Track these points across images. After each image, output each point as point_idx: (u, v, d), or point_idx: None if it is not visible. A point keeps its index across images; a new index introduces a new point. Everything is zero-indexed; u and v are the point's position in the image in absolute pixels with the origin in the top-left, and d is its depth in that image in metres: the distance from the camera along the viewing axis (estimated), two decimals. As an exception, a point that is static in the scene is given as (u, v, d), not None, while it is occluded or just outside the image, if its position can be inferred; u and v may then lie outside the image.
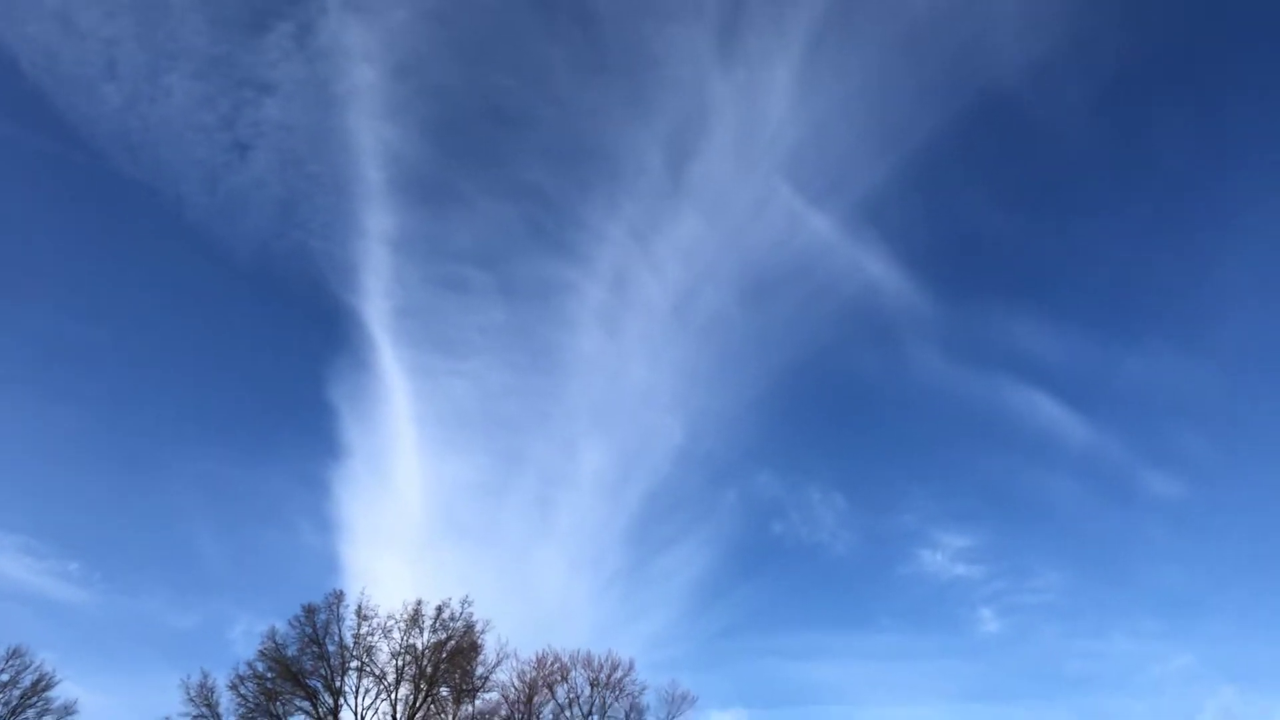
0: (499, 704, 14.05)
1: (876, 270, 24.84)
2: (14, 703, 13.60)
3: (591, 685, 14.79)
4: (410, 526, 20.61)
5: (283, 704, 12.83)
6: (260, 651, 13.16)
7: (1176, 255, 25.48)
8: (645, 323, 24.78)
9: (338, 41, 24.25)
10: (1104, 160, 27.26)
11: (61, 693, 13.84)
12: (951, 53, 25.60)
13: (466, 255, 24.81)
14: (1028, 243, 27.60)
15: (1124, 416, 24.93)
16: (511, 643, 14.12)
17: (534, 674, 14.52)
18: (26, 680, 13.72)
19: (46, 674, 13.86)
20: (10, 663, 13.71)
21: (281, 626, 13.27)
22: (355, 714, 12.95)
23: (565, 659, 14.94)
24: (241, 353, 26.04)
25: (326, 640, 13.24)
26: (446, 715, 13.69)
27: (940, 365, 25.80)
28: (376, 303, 23.42)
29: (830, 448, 26.68)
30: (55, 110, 23.17)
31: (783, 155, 24.53)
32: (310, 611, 13.41)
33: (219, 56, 24.42)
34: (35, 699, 13.67)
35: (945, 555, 23.32)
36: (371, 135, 24.17)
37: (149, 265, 25.64)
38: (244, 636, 22.97)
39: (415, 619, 13.59)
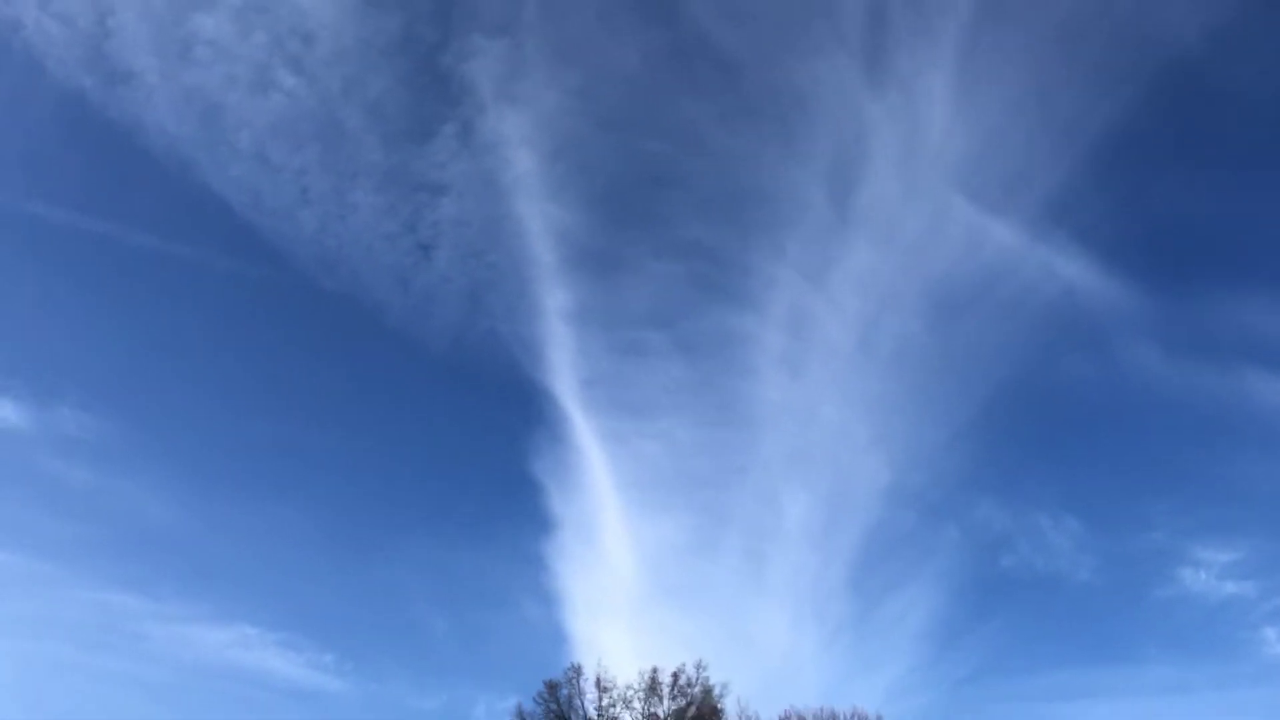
0: (747, 768, 13.77)
1: (1072, 272, 23.28)
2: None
3: (842, 743, 14.26)
4: (624, 592, 20.75)
5: (537, 778, 13.14)
6: (511, 729, 13.61)
7: None
8: (829, 361, 24.18)
9: (498, 134, 25.52)
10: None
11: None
12: (1119, 30, 24.02)
13: (642, 318, 25.15)
14: (1236, 219, 25.16)
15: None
16: (751, 705, 13.91)
17: (780, 735, 14.16)
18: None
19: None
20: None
21: (525, 703, 13.69)
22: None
23: (810, 717, 14.52)
24: (448, 440, 27.34)
25: (571, 714, 13.51)
26: (697, 783, 13.52)
27: (1162, 364, 23.70)
28: (564, 376, 24.06)
29: (1052, 468, 24.89)
30: (263, 240, 25.52)
31: (951, 168, 23.61)
32: (552, 687, 13.74)
33: (394, 167, 26.26)
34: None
35: (1210, 573, 21.06)
36: (540, 217, 25.13)
37: (356, 369, 27.48)
38: (486, 714, 23.77)
39: (653, 687, 13.62)
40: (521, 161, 24.75)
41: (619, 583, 20.79)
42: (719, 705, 14.03)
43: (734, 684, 14.68)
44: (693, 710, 13.79)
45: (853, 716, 14.86)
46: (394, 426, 26.73)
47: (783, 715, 14.93)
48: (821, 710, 15.06)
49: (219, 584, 22.08)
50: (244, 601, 21.83)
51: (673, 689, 13.86)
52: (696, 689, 13.91)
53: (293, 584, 22.71)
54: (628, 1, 24.59)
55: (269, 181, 24.46)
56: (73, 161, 25.88)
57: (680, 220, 25.72)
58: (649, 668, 14.36)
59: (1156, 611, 21.14)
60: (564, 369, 23.67)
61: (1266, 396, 22.39)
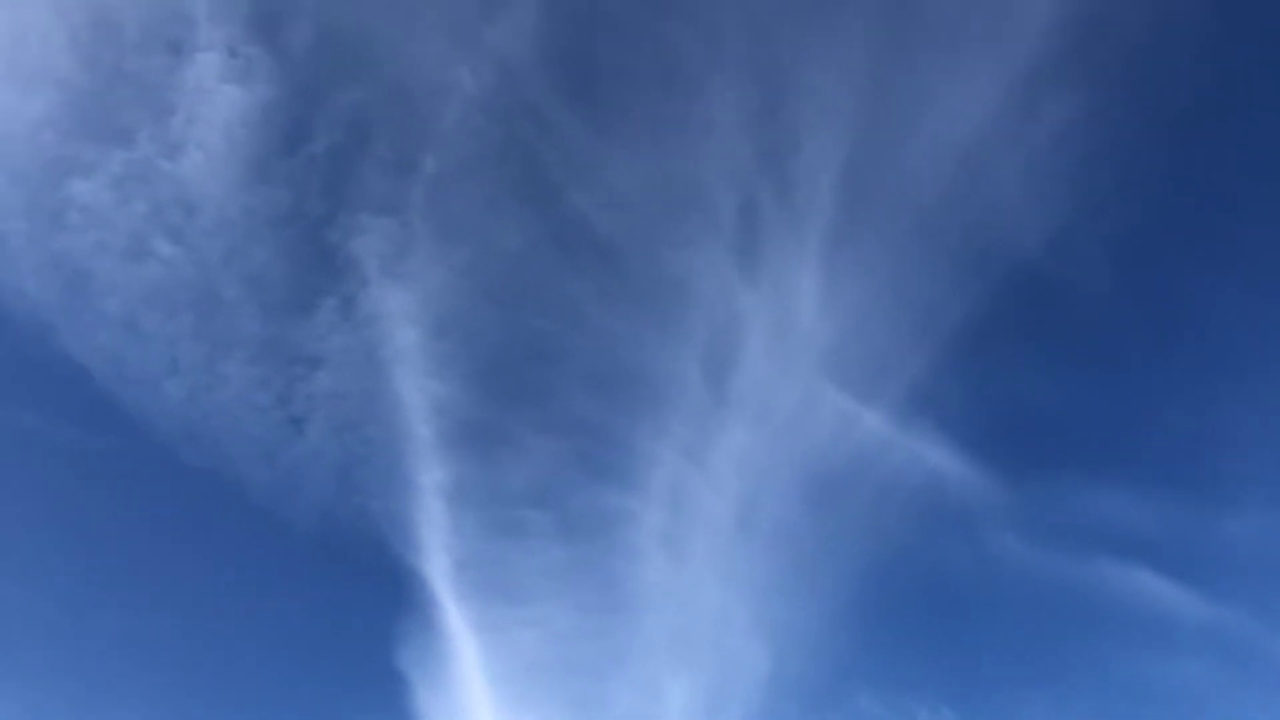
0: None
1: (937, 459, 24.23)
2: None
3: None
4: (493, 798, 19.35)
5: None
6: None
7: (1245, 405, 24.61)
8: (710, 541, 24.12)
9: (380, 309, 25.59)
10: (1141, 314, 27.10)
11: None
12: (967, 231, 26.23)
13: (521, 497, 24.74)
14: (1084, 411, 26.93)
15: (1237, 582, 23.14)
16: None
17: None
18: None
19: None
20: None
21: None
22: None
23: None
24: (309, 626, 25.66)
25: None
26: None
27: (1025, 552, 24.50)
28: (437, 557, 23.22)
29: (927, 657, 24.97)
30: (123, 411, 24.36)
31: (820, 356, 24.70)
32: None
33: (271, 338, 25.84)
34: None
35: (1085, 769, 21.11)
36: (419, 392, 24.94)
37: (213, 549, 25.89)
38: None
39: None
40: (403, 336, 24.68)
41: (487, 790, 19.35)
42: None
43: None
44: None
45: None
46: (251, 613, 24.90)
47: None
48: None
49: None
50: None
51: None
52: None
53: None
54: (512, 188, 25.53)
55: (136, 350, 23.54)
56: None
57: (562, 397, 25.85)
58: None
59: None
60: (437, 550, 22.78)
61: (1120, 586, 23.33)
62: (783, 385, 24.99)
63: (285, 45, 23.61)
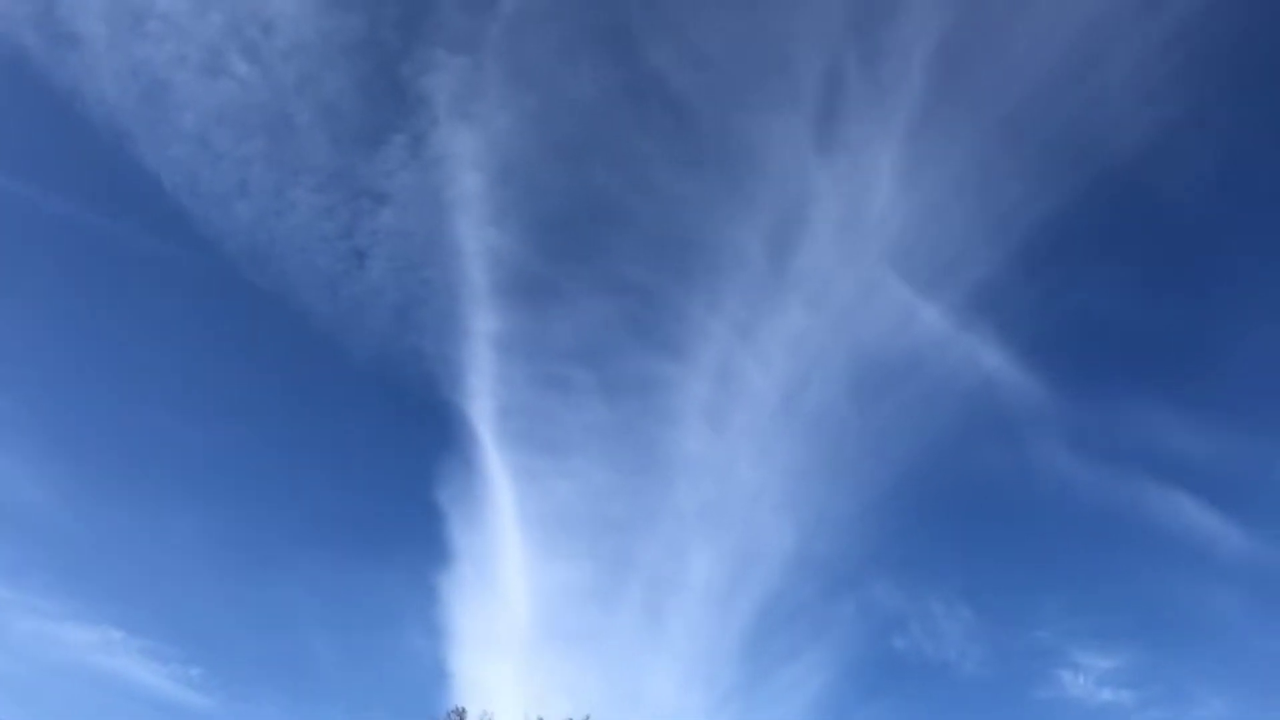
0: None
1: (993, 363, 23.63)
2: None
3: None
4: (517, 634, 20.31)
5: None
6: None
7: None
8: (752, 417, 24.14)
9: (447, 150, 25.16)
10: (1236, 234, 25.49)
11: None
12: (1061, 129, 24.64)
13: (568, 353, 24.85)
14: (1158, 328, 25.81)
15: (1281, 520, 22.63)
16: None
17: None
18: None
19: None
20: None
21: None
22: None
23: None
24: (357, 454, 26.62)
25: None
26: None
27: (1070, 465, 24.10)
28: (483, 402, 23.64)
29: (952, 554, 25.13)
30: (194, 225, 24.69)
31: (888, 243, 23.87)
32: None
33: (339, 169, 25.69)
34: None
35: (1089, 678, 21.35)
36: (478, 239, 24.81)
37: (275, 371, 26.70)
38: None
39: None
40: (467, 180, 24.37)
41: (512, 624, 20.37)
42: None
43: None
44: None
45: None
46: (302, 436, 25.92)
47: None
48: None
49: (90, 581, 21.10)
50: (113, 602, 20.90)
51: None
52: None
53: (167, 588, 21.76)
54: (589, 35, 24.47)
55: (208, 167, 23.67)
56: (3, 119, 24.62)
57: (618, 257, 25.51)
58: (534, 718, 14.05)
59: (1036, 712, 21.40)
60: (483, 395, 23.27)
61: (1158, 506, 23.00)
62: (845, 269, 24.40)
63: None
